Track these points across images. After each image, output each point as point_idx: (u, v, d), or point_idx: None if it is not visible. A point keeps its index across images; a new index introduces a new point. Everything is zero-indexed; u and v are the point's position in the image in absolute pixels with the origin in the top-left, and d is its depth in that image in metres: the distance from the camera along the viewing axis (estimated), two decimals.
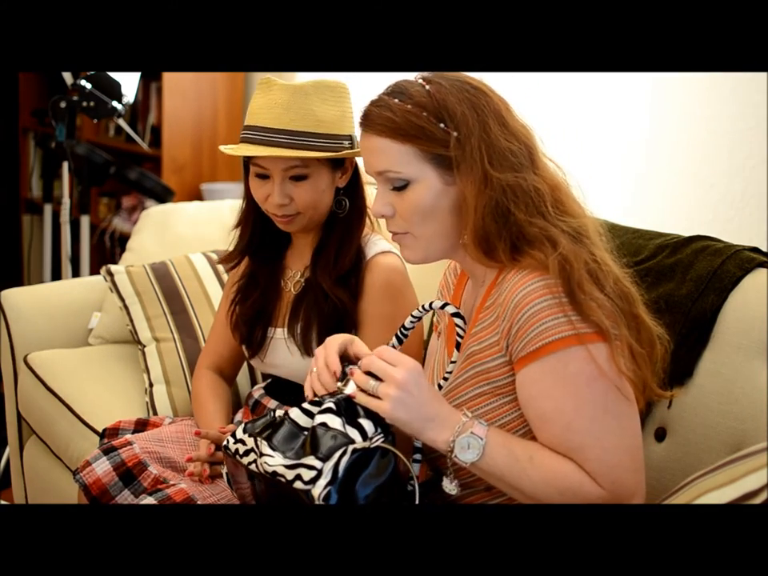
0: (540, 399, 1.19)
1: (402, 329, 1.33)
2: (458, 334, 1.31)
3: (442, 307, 1.30)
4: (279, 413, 1.32)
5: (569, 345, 1.16)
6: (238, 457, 1.32)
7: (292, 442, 1.25)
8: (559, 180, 1.27)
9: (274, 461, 1.23)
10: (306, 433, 1.25)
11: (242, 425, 1.33)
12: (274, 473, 1.22)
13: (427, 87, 1.25)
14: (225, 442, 1.36)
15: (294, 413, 1.29)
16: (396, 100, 1.25)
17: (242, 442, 1.32)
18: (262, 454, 1.25)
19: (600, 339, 1.17)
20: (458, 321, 1.32)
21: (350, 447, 1.18)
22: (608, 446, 1.17)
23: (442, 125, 1.22)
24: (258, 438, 1.28)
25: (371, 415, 1.25)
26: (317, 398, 1.29)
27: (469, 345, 1.28)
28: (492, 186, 1.21)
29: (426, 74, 1.29)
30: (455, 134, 1.22)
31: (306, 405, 1.30)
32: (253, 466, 1.28)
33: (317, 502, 1.17)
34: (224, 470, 1.41)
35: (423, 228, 1.27)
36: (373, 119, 1.26)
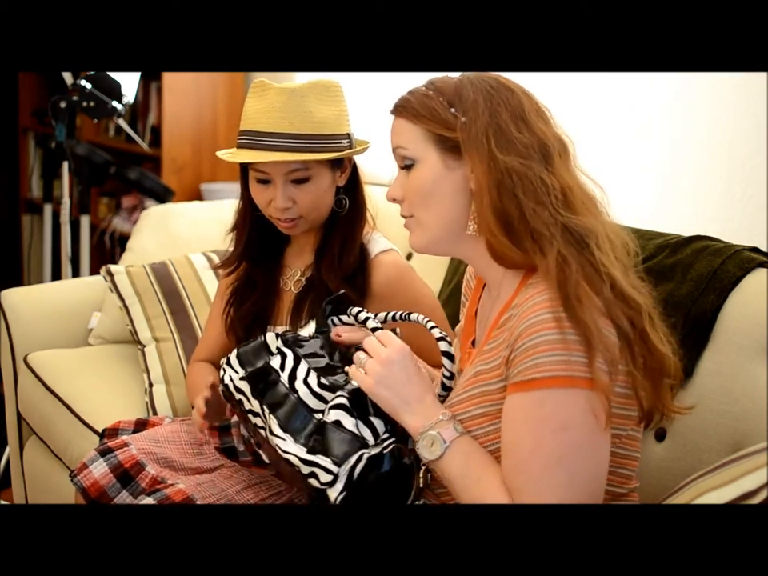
0: (508, 429, 1.17)
1: None
2: (444, 375, 1.34)
3: (439, 340, 1.33)
4: (275, 362, 1.36)
5: (553, 385, 1.12)
6: (242, 407, 1.38)
7: (302, 424, 1.31)
8: (575, 184, 1.24)
9: (287, 446, 1.29)
10: (317, 417, 1.30)
11: (234, 353, 1.41)
12: (289, 461, 1.28)
13: (455, 79, 1.27)
14: (222, 378, 1.41)
15: (303, 391, 1.33)
16: (423, 87, 1.28)
17: (244, 394, 1.37)
18: (272, 432, 1.32)
19: (591, 386, 1.11)
20: (445, 362, 1.35)
21: (365, 455, 1.25)
22: (547, 499, 1.13)
23: (452, 109, 1.24)
24: (265, 409, 1.33)
25: (380, 412, 1.29)
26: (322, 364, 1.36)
27: (477, 363, 1.27)
28: (497, 167, 1.20)
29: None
30: (463, 119, 1.22)
31: (315, 387, 1.34)
32: (263, 432, 1.34)
33: (332, 503, 1.24)
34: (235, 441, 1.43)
35: (425, 212, 1.27)
36: (397, 104, 1.30)
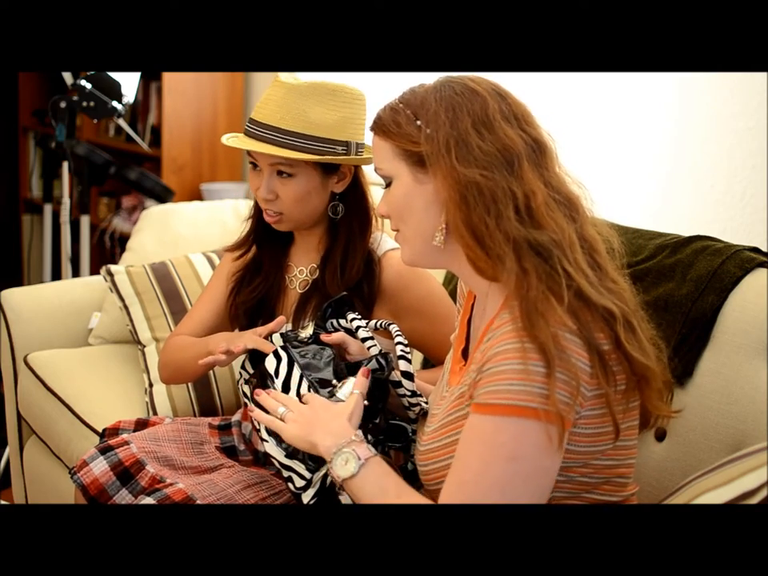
0: (461, 446, 1.16)
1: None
2: (406, 394, 1.39)
3: (400, 358, 1.41)
4: (269, 365, 1.43)
5: (511, 414, 1.11)
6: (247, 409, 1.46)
7: None
8: (540, 190, 1.20)
9: (270, 447, 1.35)
10: None
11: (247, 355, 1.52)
12: (273, 464, 1.35)
13: (423, 87, 1.26)
14: (238, 381, 1.53)
15: None
16: (395, 100, 1.28)
17: (247, 397, 1.47)
18: (261, 435, 1.38)
19: (546, 418, 1.10)
20: (405, 382, 1.40)
21: None
22: None
23: (418, 121, 1.23)
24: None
25: (361, 425, 1.32)
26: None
27: (462, 383, 1.25)
28: (460, 181, 1.18)
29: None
30: (428, 130, 1.21)
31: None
32: (259, 434, 1.39)
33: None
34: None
35: (405, 227, 1.28)
36: (374, 119, 1.30)
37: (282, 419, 1.32)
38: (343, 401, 1.33)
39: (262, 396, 1.36)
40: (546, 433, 1.10)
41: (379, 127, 1.27)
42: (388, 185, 1.28)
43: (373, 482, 1.20)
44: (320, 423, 1.28)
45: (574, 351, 1.12)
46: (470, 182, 1.18)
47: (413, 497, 1.20)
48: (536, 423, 1.10)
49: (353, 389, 1.34)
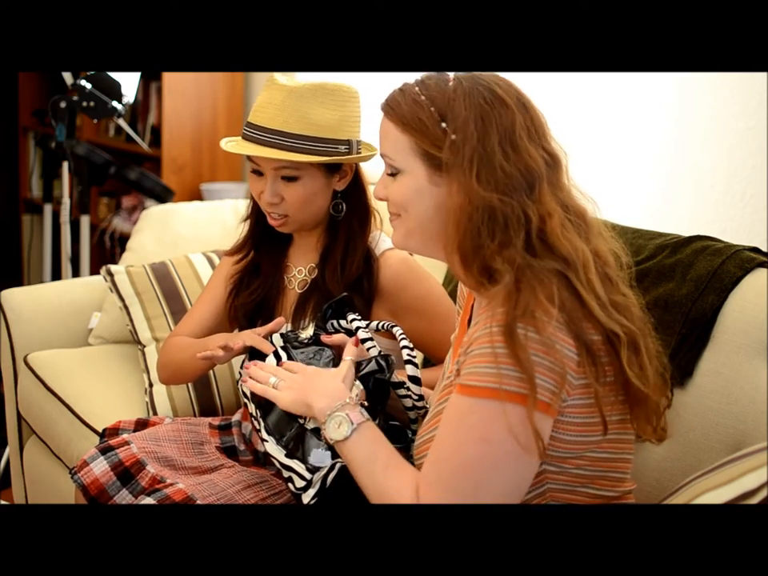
0: (442, 424, 1.18)
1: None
2: (412, 398, 1.39)
3: (407, 363, 1.41)
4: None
5: (485, 396, 1.11)
6: (248, 410, 1.46)
7: (284, 428, 1.36)
8: (556, 210, 1.18)
9: (270, 447, 1.36)
10: (299, 421, 1.35)
11: (246, 355, 1.51)
12: (273, 463, 1.35)
13: (450, 83, 1.22)
14: (238, 381, 1.51)
15: None
16: (416, 88, 1.24)
17: (247, 398, 1.44)
18: (260, 435, 1.38)
19: (521, 401, 1.09)
20: (412, 386, 1.40)
21: (338, 465, 1.29)
22: (450, 501, 1.12)
23: (443, 124, 1.20)
24: (258, 413, 1.39)
25: None
26: None
27: (449, 374, 1.26)
28: (473, 202, 1.16)
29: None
30: (453, 136, 1.19)
31: None
32: (259, 435, 1.40)
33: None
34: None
35: (407, 215, 1.26)
36: (387, 102, 1.27)
37: (274, 388, 1.34)
38: None
39: (251, 369, 1.39)
40: (517, 416, 1.10)
41: (397, 115, 1.24)
42: (392, 174, 1.26)
43: (364, 447, 1.22)
44: (314, 386, 1.30)
45: (560, 338, 1.12)
46: (484, 204, 1.16)
47: (400, 466, 1.20)
48: (512, 406, 1.10)
49: (344, 356, 1.36)
